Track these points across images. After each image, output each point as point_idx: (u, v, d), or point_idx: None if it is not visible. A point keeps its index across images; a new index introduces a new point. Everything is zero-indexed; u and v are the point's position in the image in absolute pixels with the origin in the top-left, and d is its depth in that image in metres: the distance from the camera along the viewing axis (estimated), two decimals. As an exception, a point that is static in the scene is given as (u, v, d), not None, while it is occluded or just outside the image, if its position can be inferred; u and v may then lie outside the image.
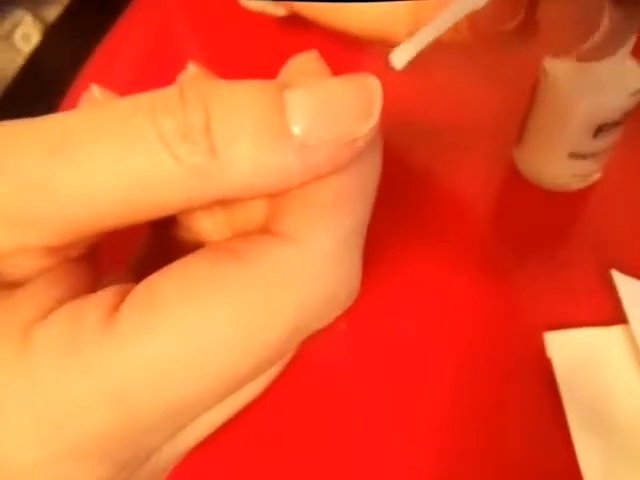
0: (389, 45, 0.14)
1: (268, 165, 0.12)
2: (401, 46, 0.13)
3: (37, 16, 0.40)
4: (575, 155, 0.33)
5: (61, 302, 0.13)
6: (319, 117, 0.12)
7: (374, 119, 0.13)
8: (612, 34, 0.18)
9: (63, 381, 0.12)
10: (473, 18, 0.19)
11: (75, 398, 0.12)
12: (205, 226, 0.17)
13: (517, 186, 0.36)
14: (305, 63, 0.14)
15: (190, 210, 0.15)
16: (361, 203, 0.14)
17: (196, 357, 0.12)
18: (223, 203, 0.16)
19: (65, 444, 0.12)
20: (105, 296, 0.13)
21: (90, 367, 0.12)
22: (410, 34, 0.14)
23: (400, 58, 0.13)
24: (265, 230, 0.14)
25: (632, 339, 0.29)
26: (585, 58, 0.18)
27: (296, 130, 0.12)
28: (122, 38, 0.44)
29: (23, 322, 0.12)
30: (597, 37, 0.17)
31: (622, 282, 0.31)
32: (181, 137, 0.12)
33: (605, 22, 0.17)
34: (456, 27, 0.15)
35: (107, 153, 0.12)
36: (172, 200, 0.13)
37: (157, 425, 0.13)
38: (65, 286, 0.14)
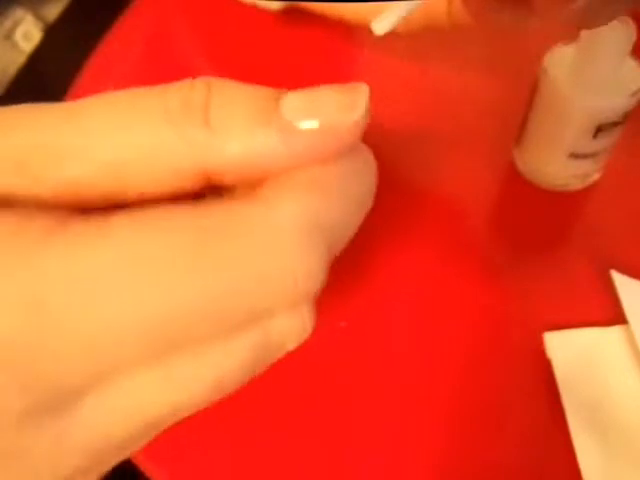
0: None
1: (254, 144, 0.13)
2: (382, 15, 0.14)
3: (38, 15, 0.40)
4: (575, 155, 0.33)
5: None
6: (307, 106, 0.14)
7: (359, 112, 0.13)
8: None
9: None
10: None
11: None
12: None
13: (517, 186, 0.36)
14: None
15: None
16: (340, 202, 0.14)
17: (132, 284, 0.12)
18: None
19: None
20: (65, 209, 0.13)
21: (17, 265, 0.12)
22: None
23: (381, 26, 0.14)
24: None
25: (632, 339, 0.29)
26: (577, 22, 0.18)
27: (284, 112, 0.13)
28: (122, 38, 0.44)
29: None
30: None
31: (622, 282, 0.31)
32: (181, 109, 0.13)
33: None
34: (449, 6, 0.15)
35: (113, 120, 0.13)
36: (163, 166, 0.13)
37: (73, 353, 0.12)
38: None
